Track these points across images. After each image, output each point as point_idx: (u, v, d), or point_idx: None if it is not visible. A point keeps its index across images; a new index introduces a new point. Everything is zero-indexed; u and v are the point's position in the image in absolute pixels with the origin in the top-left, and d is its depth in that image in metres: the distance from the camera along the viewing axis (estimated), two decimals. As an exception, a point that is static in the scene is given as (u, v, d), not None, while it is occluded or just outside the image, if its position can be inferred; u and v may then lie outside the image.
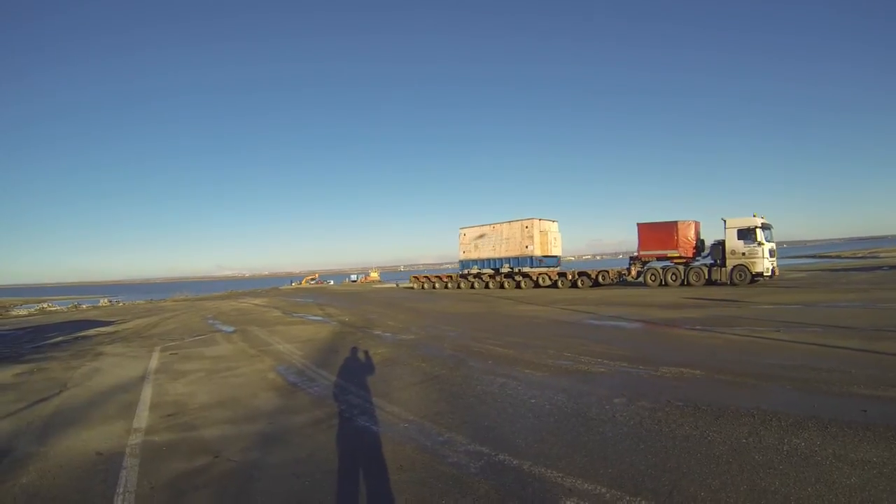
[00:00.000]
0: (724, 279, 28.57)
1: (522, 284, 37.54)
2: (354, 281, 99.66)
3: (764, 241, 27.96)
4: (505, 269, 39.27)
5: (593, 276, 35.13)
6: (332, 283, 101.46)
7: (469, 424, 6.20)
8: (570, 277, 35.73)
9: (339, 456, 5.44)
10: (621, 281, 34.75)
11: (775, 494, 3.99)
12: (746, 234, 28.27)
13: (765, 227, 28.25)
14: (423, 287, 45.96)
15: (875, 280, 26.60)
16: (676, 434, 5.44)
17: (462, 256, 43.14)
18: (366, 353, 11.80)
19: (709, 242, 31.60)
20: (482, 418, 6.43)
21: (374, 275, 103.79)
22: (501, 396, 7.46)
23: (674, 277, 30.40)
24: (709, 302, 20.17)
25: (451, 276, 44.40)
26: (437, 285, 45.28)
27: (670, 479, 4.33)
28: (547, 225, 39.02)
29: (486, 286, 39.76)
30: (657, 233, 32.20)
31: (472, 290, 39.19)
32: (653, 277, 31.28)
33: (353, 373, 9.87)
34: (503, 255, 39.72)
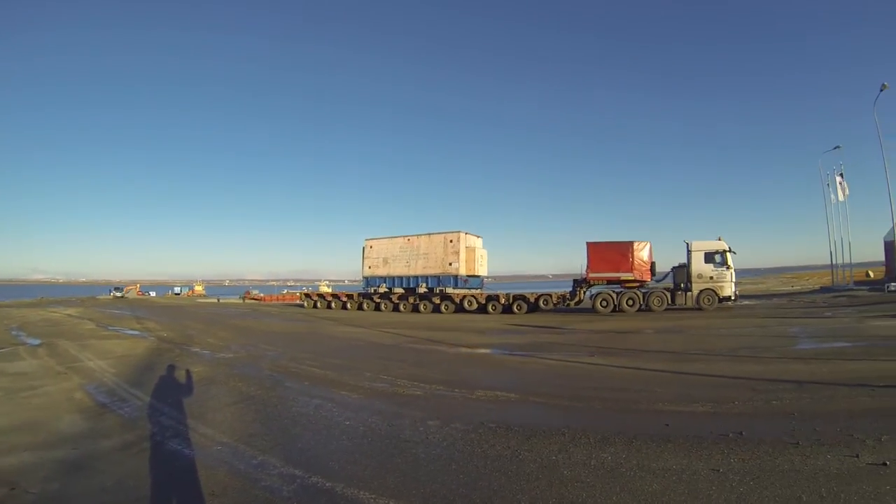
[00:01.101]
0: (689, 304, 27.55)
1: (443, 308, 32.61)
2: (178, 294, 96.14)
3: (732, 265, 27.61)
4: (421, 290, 34.38)
5: (532, 299, 31.51)
6: (153, 294, 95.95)
7: (283, 446, 6.06)
8: (503, 301, 31.73)
9: (150, 483, 5.14)
10: (563, 306, 31.52)
11: (582, 505, 4.16)
12: (714, 258, 27.65)
13: (730, 251, 27.87)
14: (314, 306, 40.94)
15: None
16: (489, 454, 5.56)
17: (367, 272, 37.84)
18: (182, 371, 11.42)
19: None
20: (297, 440, 6.35)
21: (199, 288, 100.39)
22: (317, 418, 7.44)
23: (630, 303, 28.05)
24: (531, 329, 21.33)
25: (351, 296, 39.25)
26: (332, 304, 39.86)
27: (481, 497, 4.45)
28: (473, 240, 34.97)
29: (396, 308, 34.83)
30: (610, 253, 29.66)
31: (371, 313, 34.64)
32: (604, 303, 28.53)
33: (169, 392, 9.46)
34: (420, 272, 34.85)
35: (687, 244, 28.42)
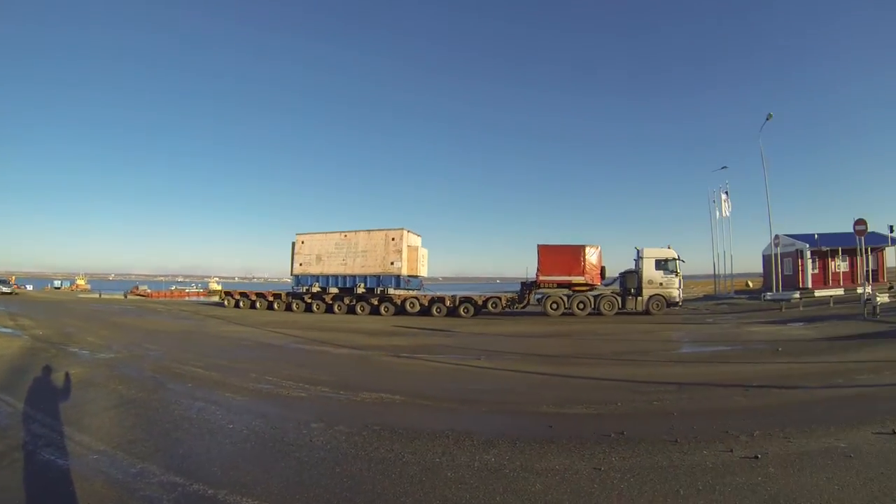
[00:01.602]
0: (639, 308, 28.34)
1: (382, 310, 31.12)
2: (58, 288, 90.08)
3: (680, 273, 28.61)
4: (360, 290, 32.38)
5: (479, 302, 30.62)
6: (30, 288, 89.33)
7: (164, 453, 5.86)
8: (448, 304, 30.53)
9: (21, 498, 4.79)
10: (511, 309, 31.12)
11: (465, 506, 4.36)
12: (664, 265, 28.52)
13: (679, 259, 28.87)
14: (236, 305, 36.93)
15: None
16: (372, 457, 5.64)
17: (298, 270, 34.63)
18: (59, 373, 10.84)
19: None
20: (178, 446, 6.16)
21: (82, 282, 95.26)
22: (199, 422, 7.28)
23: (581, 306, 28.43)
24: (419, 331, 21.86)
25: (279, 295, 35.88)
26: (258, 304, 36.24)
27: (364, 501, 4.54)
28: (415, 239, 33.59)
29: (330, 309, 32.61)
30: (562, 256, 29.55)
31: (265, 312, 32.84)
32: (554, 306, 28.74)
33: (43, 397, 8.95)
34: (358, 271, 32.67)
35: (638, 250, 29.46)
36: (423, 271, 34.28)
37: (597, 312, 28.24)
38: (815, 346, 14.17)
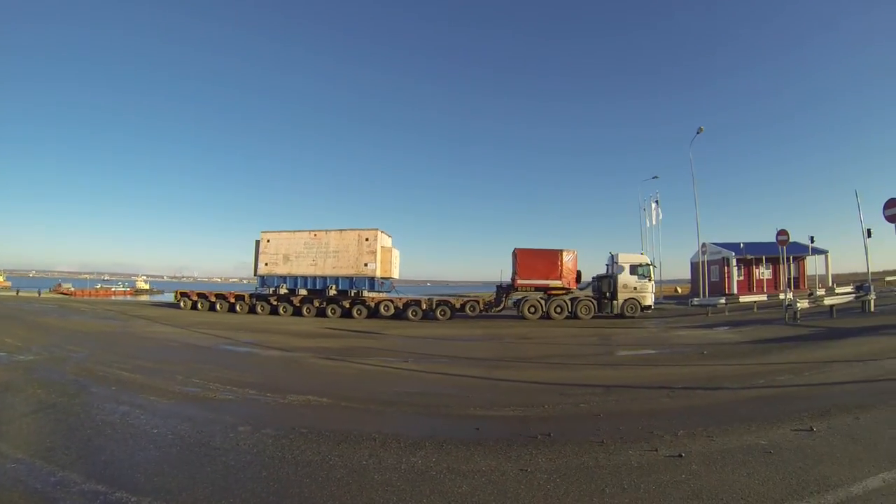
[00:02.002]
0: (615, 312, 29.13)
1: (355, 313, 30.74)
2: None
3: (653, 278, 29.81)
4: (332, 292, 31.71)
5: (457, 305, 30.98)
6: None
7: (85, 460, 5.74)
8: (424, 306, 30.58)
9: None
10: (488, 313, 31.34)
11: (391, 509, 4.51)
12: (638, 270, 29.53)
13: (652, 264, 30.13)
14: (193, 307, 35.01)
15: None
16: (299, 460, 5.72)
17: (263, 270, 33.32)
18: None
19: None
20: (100, 452, 6.04)
21: (0, 279, 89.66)
22: (123, 427, 7.17)
23: (559, 310, 28.96)
24: (347, 333, 22.18)
25: (241, 296, 34.29)
26: (218, 306, 34.24)
27: None
28: (387, 240, 33.31)
29: (298, 312, 31.72)
30: (539, 260, 30.10)
31: (257, 317, 30.81)
32: (532, 310, 29.14)
33: None
34: (330, 272, 31.89)
35: (613, 255, 30.63)
36: (396, 273, 34.10)
37: (573, 316, 28.87)
38: (738, 349, 14.78)
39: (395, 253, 34.00)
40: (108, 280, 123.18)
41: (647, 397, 8.91)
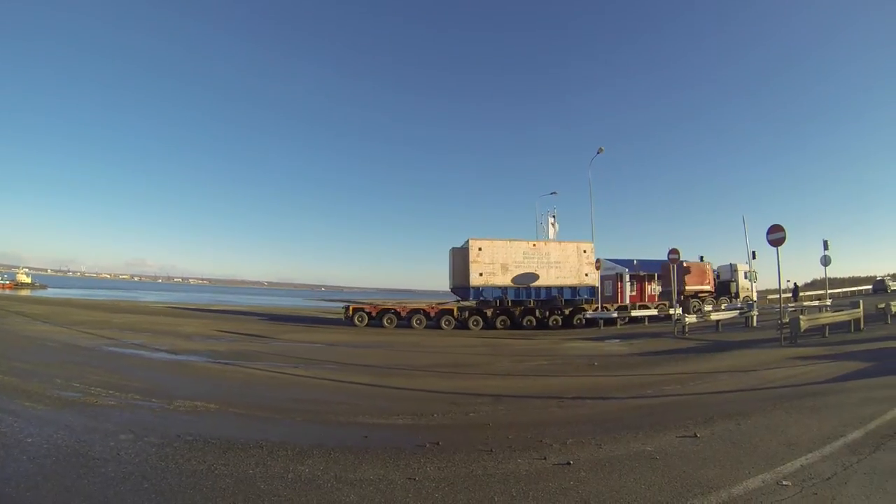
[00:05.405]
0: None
1: (575, 322, 31.72)
2: None
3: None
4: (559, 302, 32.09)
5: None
6: None
7: None
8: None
9: None
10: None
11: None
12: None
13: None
14: (373, 323, 31.37)
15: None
16: (184, 469, 5.69)
17: (477, 281, 30.92)
18: None
19: None
20: None
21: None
22: None
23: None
24: (238, 336, 22.16)
25: (445, 306, 32.02)
26: (414, 322, 30.83)
27: None
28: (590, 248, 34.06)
29: (517, 324, 31.21)
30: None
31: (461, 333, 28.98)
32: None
33: None
34: (554, 283, 31.98)
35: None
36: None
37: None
38: (629, 361, 15.69)
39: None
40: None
41: (537, 407, 9.39)
